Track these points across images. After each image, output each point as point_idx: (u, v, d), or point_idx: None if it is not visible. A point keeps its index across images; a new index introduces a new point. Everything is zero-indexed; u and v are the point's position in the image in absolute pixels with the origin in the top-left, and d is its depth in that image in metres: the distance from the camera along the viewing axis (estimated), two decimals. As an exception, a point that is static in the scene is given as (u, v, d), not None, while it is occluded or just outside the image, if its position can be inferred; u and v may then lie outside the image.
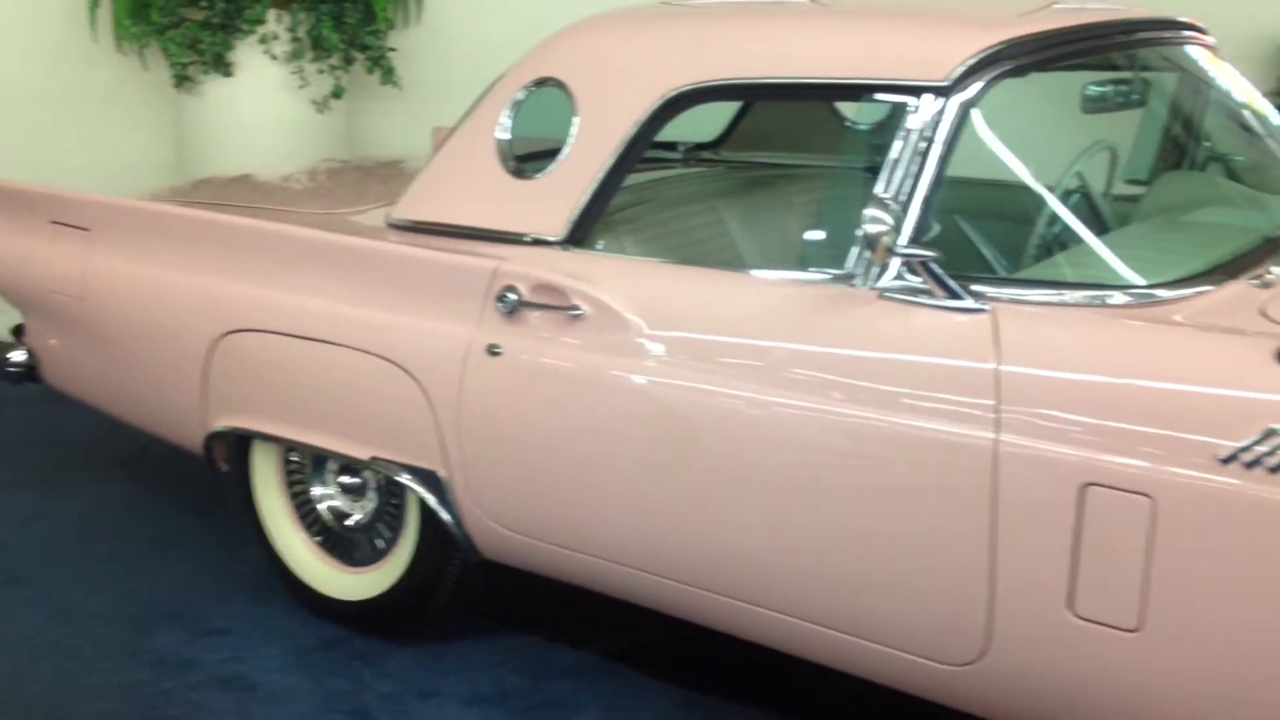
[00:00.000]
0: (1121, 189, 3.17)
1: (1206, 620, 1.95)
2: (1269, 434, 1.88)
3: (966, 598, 2.16)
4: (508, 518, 2.72)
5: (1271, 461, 1.87)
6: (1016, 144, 2.57)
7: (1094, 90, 2.66)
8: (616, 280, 2.57)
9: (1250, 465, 1.89)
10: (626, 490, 2.53)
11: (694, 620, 2.60)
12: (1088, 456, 2.01)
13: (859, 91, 2.48)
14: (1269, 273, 2.17)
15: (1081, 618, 2.05)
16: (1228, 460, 1.90)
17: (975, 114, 2.31)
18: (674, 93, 2.57)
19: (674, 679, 2.92)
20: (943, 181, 2.29)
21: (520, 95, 2.81)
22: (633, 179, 3.07)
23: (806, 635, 2.40)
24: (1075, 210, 2.84)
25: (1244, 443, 1.89)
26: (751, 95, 3.09)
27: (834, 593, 2.33)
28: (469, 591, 3.05)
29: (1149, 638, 2.00)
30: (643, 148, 2.63)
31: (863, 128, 3.33)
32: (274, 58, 5.24)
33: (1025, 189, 2.51)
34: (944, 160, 2.28)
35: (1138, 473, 1.97)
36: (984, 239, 2.94)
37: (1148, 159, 3.22)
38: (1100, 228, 2.84)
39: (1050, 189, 2.66)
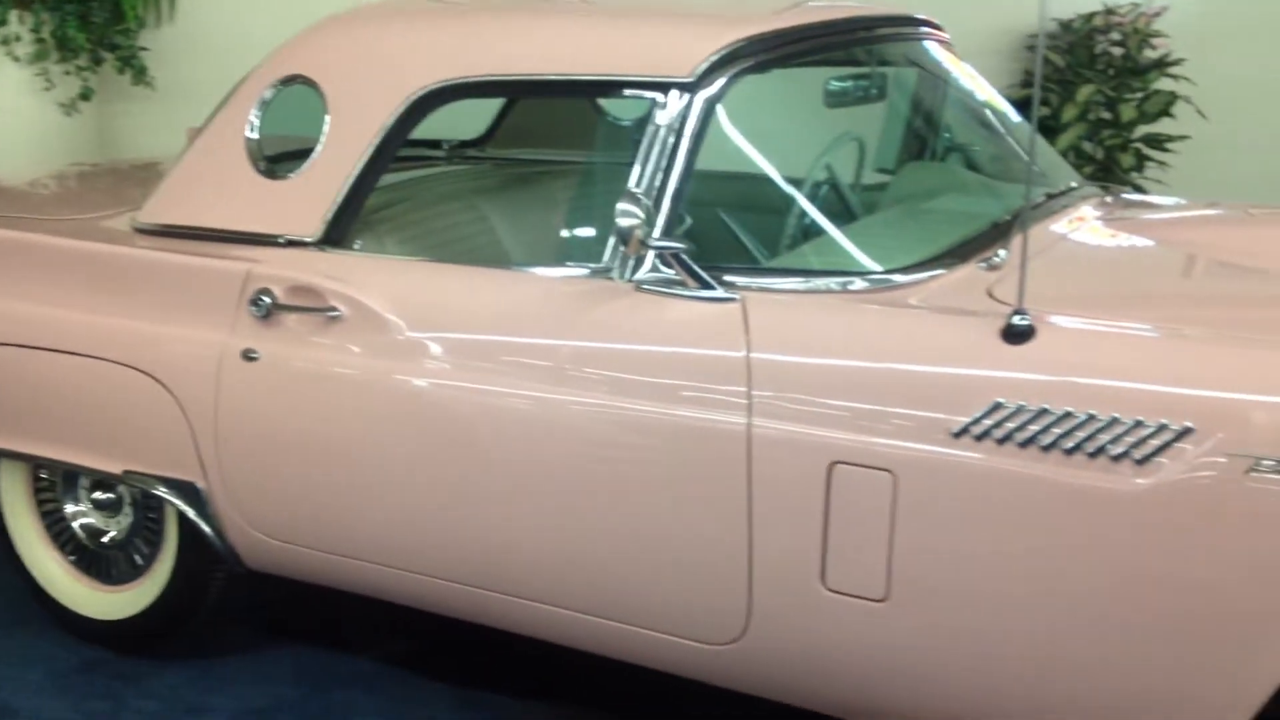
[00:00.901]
0: (874, 179, 3.31)
1: (948, 586, 2.06)
2: (996, 407, 1.99)
3: (727, 578, 2.22)
4: (272, 526, 2.66)
5: (999, 434, 1.99)
6: (767, 138, 2.65)
7: (835, 85, 2.76)
8: (375, 280, 2.54)
9: (980, 438, 2.00)
10: (391, 492, 2.50)
11: (471, 619, 2.60)
12: (834, 436, 2.09)
13: (608, 88, 2.52)
14: (996, 255, 2.30)
15: (833, 591, 2.13)
16: (959, 434, 2.01)
17: (720, 109, 2.37)
18: (425, 90, 2.56)
19: (453, 680, 2.91)
20: (691, 175, 2.34)
21: (269, 94, 2.75)
22: (393, 177, 3.05)
23: (579, 626, 2.42)
24: (824, 201, 2.95)
25: (973, 417, 2.00)
26: (503, 92, 3.10)
27: (603, 582, 2.36)
28: (237, 604, 2.97)
29: (895, 606, 2.09)
30: (396, 146, 2.60)
31: (625, 123, 3.37)
32: (17, 59, 4.99)
33: (776, 182, 2.59)
34: (692, 154, 2.34)
35: (879, 450, 2.06)
36: (739, 230, 3.03)
37: (893, 150, 3.36)
38: (848, 217, 2.96)
39: (799, 181, 2.76)
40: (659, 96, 2.36)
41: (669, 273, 2.29)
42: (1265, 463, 1.83)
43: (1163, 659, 1.94)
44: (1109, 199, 2.90)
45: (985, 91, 3.08)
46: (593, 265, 2.38)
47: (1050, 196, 2.75)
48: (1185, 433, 1.88)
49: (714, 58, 2.37)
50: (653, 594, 2.32)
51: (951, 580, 2.06)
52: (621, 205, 2.22)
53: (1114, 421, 1.92)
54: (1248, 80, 5.84)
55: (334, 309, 2.52)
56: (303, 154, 2.69)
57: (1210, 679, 1.92)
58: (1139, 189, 5.08)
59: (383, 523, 2.54)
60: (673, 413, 2.22)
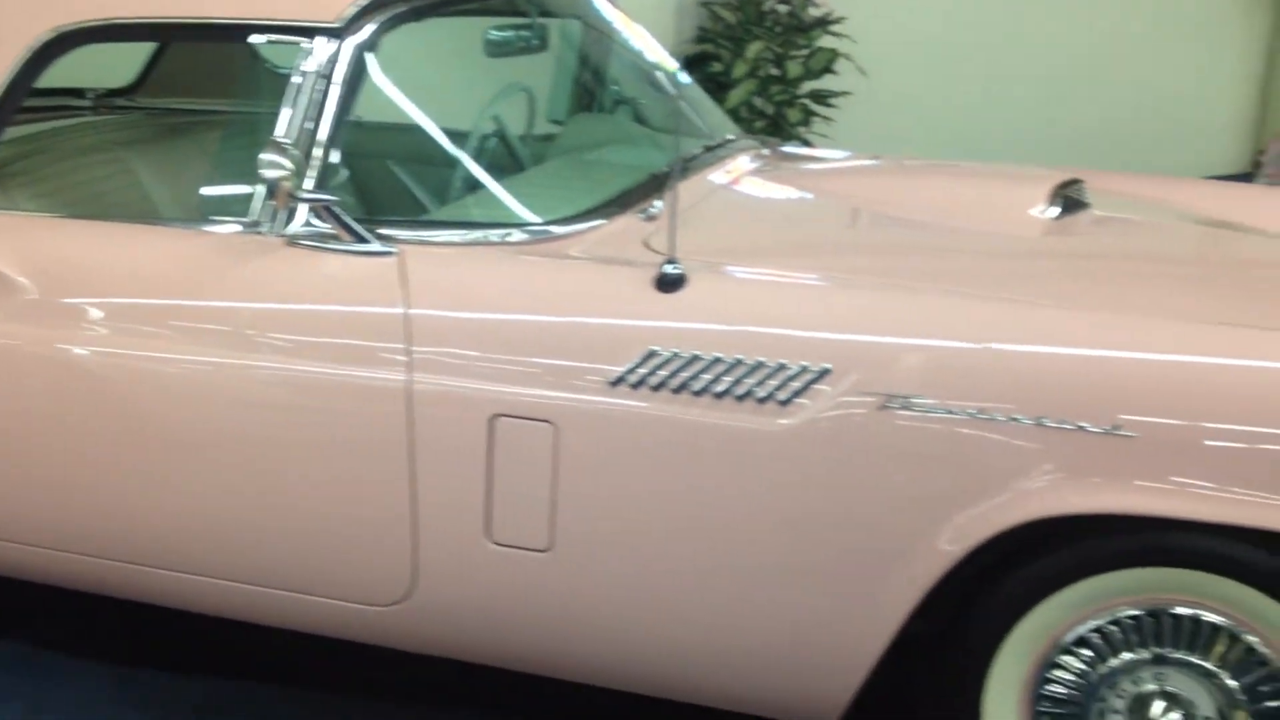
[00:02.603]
0: (548, 130, 3.30)
1: (610, 534, 2.09)
2: (650, 356, 2.02)
3: (391, 538, 2.18)
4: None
5: (653, 381, 2.02)
6: (431, 89, 2.61)
7: (495, 35, 2.74)
8: (4, 240, 2.35)
9: (636, 386, 2.03)
10: (34, 464, 2.34)
11: (137, 599, 2.47)
12: (495, 390, 2.08)
13: (254, 33, 2.40)
14: (653, 206, 2.33)
15: (499, 544, 2.13)
16: (616, 383, 2.03)
17: (373, 57, 2.31)
18: (55, 34, 2.38)
19: (106, 659, 2.75)
20: (344, 125, 2.27)
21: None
22: (31, 129, 2.84)
23: (245, 597, 2.34)
24: (491, 153, 2.92)
25: (629, 366, 2.03)
26: (142, 36, 2.90)
27: (268, 549, 2.28)
28: None
29: (560, 556, 2.11)
30: (21, 94, 2.41)
31: (283, 71, 3.24)
32: None
33: (440, 134, 2.55)
34: (344, 103, 2.26)
35: (540, 402, 2.06)
36: (408, 183, 2.97)
37: (564, 102, 3.37)
38: (516, 168, 2.95)
39: (465, 133, 2.72)
40: (306, 43, 2.27)
41: (323, 226, 2.22)
42: (897, 400, 1.93)
43: (812, 592, 2.03)
44: (766, 151, 2.99)
45: (646, 43, 3.12)
46: (243, 220, 2.28)
47: (708, 149, 2.81)
48: (823, 374, 1.96)
49: (362, 3, 2.30)
50: (317, 558, 2.26)
51: (614, 528, 2.09)
52: (266, 156, 2.13)
53: (759, 365, 1.98)
54: (904, 39, 6.18)
55: (-44, 271, 2.32)
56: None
57: (853, 608, 2.02)
58: (807, 143, 5.29)
59: (21, 500, 2.37)
60: (330, 371, 2.16)
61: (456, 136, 2.67)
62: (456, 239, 2.23)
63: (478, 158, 2.68)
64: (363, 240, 2.20)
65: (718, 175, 2.67)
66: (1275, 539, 1.85)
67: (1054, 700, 2.03)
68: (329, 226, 2.21)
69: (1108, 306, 2.05)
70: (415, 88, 2.51)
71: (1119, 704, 2.02)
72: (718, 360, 2.00)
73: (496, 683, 2.43)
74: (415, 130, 2.52)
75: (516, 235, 2.24)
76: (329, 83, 2.25)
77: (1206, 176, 4.93)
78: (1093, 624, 1.99)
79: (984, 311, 2.01)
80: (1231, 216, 2.76)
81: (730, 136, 2.98)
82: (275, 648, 2.63)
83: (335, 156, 2.26)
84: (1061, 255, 2.36)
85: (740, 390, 1.99)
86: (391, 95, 2.42)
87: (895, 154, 3.28)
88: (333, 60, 2.26)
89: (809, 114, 5.58)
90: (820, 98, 5.58)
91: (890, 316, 2.02)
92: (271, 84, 3.31)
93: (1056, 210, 2.48)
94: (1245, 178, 5.97)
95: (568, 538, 2.10)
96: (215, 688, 2.65)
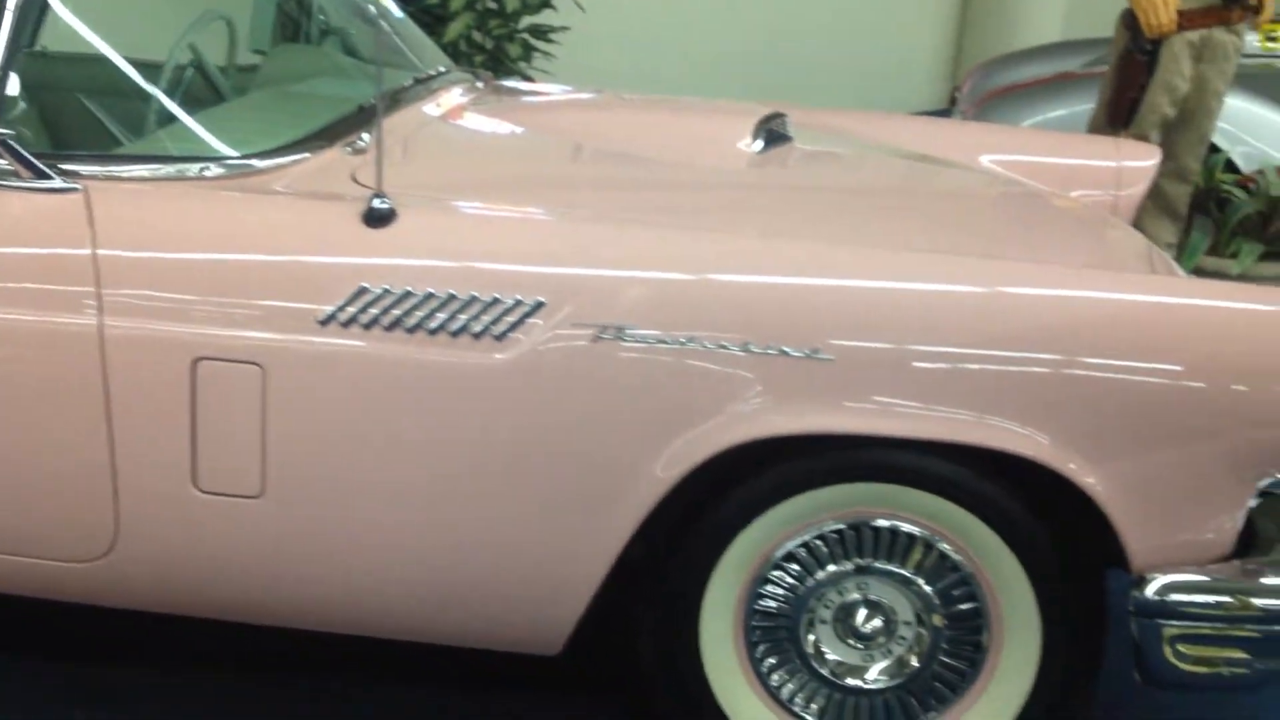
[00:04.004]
0: (251, 60, 3.16)
1: (324, 476, 2.04)
2: (360, 293, 1.97)
3: (90, 491, 2.06)
4: None
5: (365, 319, 1.97)
6: (115, 17, 2.45)
7: (189, -40, 2.59)
8: None
9: (347, 324, 1.97)
10: None
11: None
12: (195, 332, 1.99)
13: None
14: (361, 139, 2.27)
15: (206, 491, 2.04)
16: (326, 322, 1.97)
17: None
18: None
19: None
20: (18, 54, 2.11)
21: None
22: None
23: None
24: (188, 84, 2.79)
25: (339, 304, 1.97)
26: None
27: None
28: None
29: (272, 502, 2.04)
30: None
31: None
32: None
33: (129, 65, 2.40)
34: (16, 32, 2.10)
35: (245, 343, 1.98)
36: (95, 118, 2.80)
37: (266, 31, 3.23)
38: (215, 100, 2.81)
39: (160, 64, 2.57)
40: (-31, -36, 2.09)
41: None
42: (611, 331, 1.95)
43: (532, 524, 2.04)
44: (480, 84, 2.95)
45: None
46: (-92, 157, 2.09)
47: (419, 81, 2.75)
48: (538, 307, 1.96)
49: (36, -80, 2.13)
50: (14, 515, 2.12)
51: (328, 470, 2.04)
52: (-68, 87, 1.96)
53: (473, 300, 1.96)
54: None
55: None
56: None
57: (574, 538, 2.04)
58: (527, 78, 5.26)
59: None
60: (16, 317, 2.02)
61: (151, 68, 2.52)
62: (147, 174, 2.11)
63: (173, 89, 2.55)
64: (44, 176, 2.06)
65: (430, 108, 2.62)
66: (967, 452, 1.97)
67: (766, 614, 2.11)
68: (5, 162, 2.06)
69: (808, 236, 2.12)
70: (104, 15, 2.36)
71: (826, 614, 2.12)
72: (430, 296, 1.96)
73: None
74: (105, 61, 2.37)
75: (214, 170, 2.13)
76: (0, 11, 2.08)
77: (908, 113, 5.17)
78: (800, 540, 2.08)
79: (692, 243, 2.05)
80: (929, 149, 2.91)
81: (442, 69, 2.92)
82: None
83: (12, 88, 2.10)
84: (764, 187, 2.43)
85: (454, 326, 1.96)
86: (76, 24, 2.26)
87: (613, 89, 3.30)
88: (4, -15, 2.09)
89: (529, 49, 5.55)
90: (539, 32, 5.56)
91: (603, 249, 2.04)
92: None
93: (760, 144, 2.55)
94: (944, 113, 6.28)
95: (280, 483, 2.03)
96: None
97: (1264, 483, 1.99)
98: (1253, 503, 2.02)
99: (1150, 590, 1.95)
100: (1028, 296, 2.00)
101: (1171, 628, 1.96)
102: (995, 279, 2.03)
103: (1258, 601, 1.96)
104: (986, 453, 1.96)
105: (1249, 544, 2.02)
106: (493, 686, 2.42)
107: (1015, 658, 2.08)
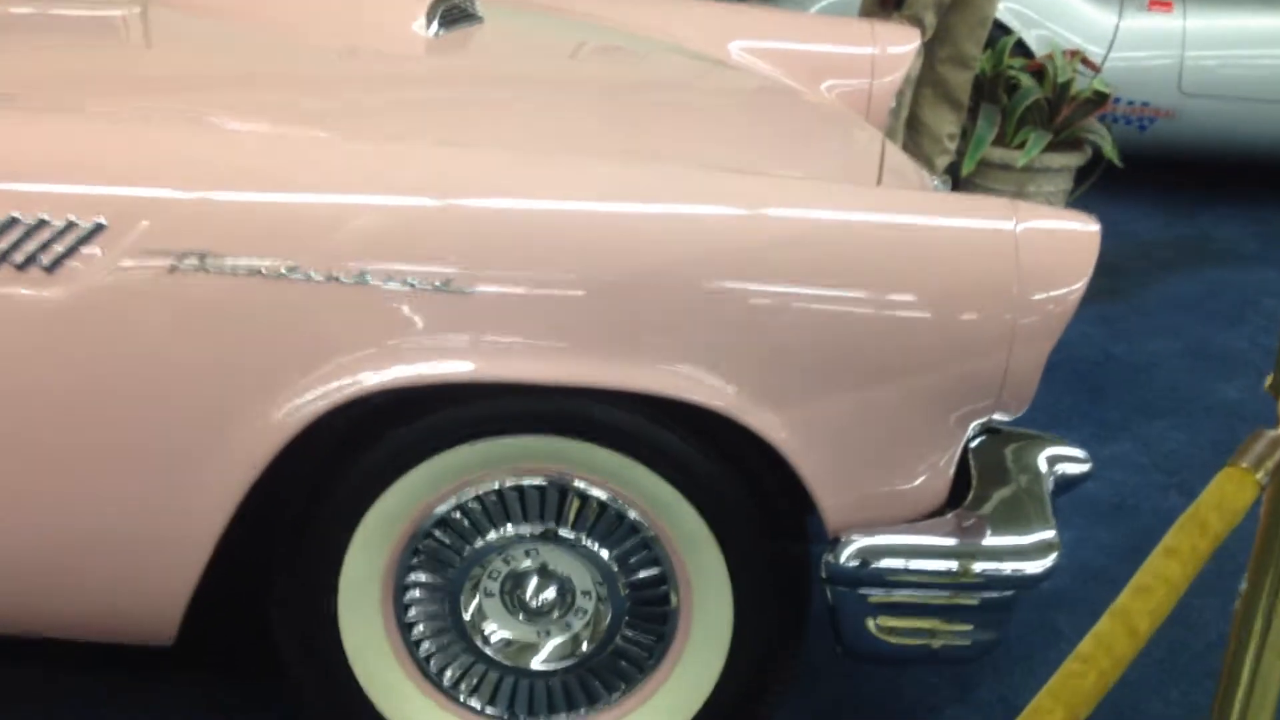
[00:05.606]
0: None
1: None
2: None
3: None
4: None
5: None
6: None
7: None
8: None
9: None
10: None
11: None
12: None
13: None
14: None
15: None
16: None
17: None
18: None
19: None
20: None
21: None
22: None
23: None
24: None
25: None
26: None
27: None
28: None
29: None
30: None
31: None
32: None
33: None
34: None
35: None
36: None
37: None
38: None
39: None
40: None
41: None
42: (192, 259, 1.56)
43: (124, 480, 1.66)
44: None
45: None
46: None
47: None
48: (97, 230, 1.56)
49: None
50: None
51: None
52: None
53: (12, 223, 1.55)
54: None
55: None
56: None
57: (179, 491, 1.66)
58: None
59: None
60: None
61: None
62: None
63: None
64: None
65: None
66: (643, 400, 1.65)
67: (421, 587, 1.79)
68: None
69: (456, 141, 1.76)
70: None
71: (493, 586, 1.81)
72: (-44, 218, 1.55)
73: None
74: None
75: None
76: None
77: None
78: (456, 501, 1.75)
79: (296, 151, 1.66)
80: (670, 33, 2.56)
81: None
82: None
83: None
84: (424, 80, 2.05)
85: (-10, 254, 1.55)
86: None
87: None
88: None
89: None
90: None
91: (185, 160, 1.63)
92: None
93: (436, 26, 2.15)
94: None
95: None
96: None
97: (977, 422, 1.72)
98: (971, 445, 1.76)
99: (845, 555, 1.66)
100: (710, 216, 1.67)
101: (873, 596, 1.69)
102: (674, 192, 1.69)
103: (975, 566, 1.69)
104: (665, 400, 1.64)
105: (963, 493, 1.75)
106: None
107: (705, 629, 1.79)
